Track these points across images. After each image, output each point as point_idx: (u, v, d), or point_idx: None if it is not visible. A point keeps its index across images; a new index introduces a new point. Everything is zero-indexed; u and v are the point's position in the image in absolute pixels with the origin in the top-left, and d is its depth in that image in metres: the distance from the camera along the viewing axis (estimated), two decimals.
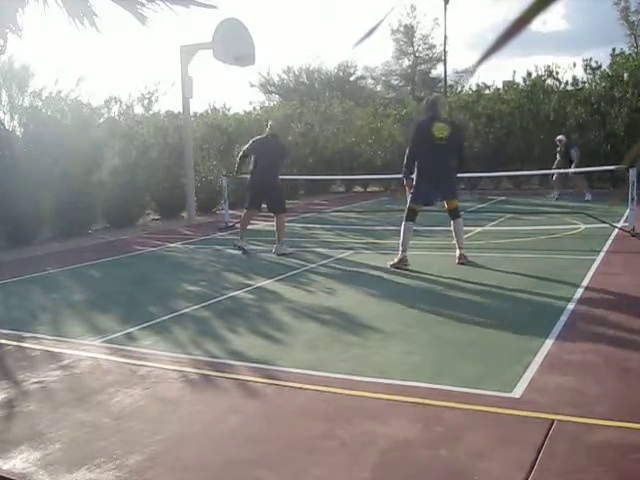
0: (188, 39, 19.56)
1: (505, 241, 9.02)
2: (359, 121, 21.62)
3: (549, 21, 50.61)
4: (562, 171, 13.97)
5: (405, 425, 3.24)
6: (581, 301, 5.55)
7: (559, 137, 14.97)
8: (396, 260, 7.44)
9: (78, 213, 11.60)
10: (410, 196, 7.48)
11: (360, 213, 13.81)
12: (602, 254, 7.68)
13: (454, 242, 7.63)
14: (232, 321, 5.45)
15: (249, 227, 9.29)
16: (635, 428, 3.07)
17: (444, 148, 7.33)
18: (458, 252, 7.54)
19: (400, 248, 7.46)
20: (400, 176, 7.76)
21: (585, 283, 6.19)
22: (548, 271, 6.83)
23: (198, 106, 24.14)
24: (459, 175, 8.10)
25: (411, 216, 7.51)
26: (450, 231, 7.75)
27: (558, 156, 14.80)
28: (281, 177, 9.43)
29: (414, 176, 7.44)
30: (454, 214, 7.57)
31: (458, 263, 7.42)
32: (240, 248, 8.93)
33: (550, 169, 14.44)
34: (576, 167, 13.88)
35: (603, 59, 23.60)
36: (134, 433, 3.30)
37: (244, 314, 5.68)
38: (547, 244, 8.68)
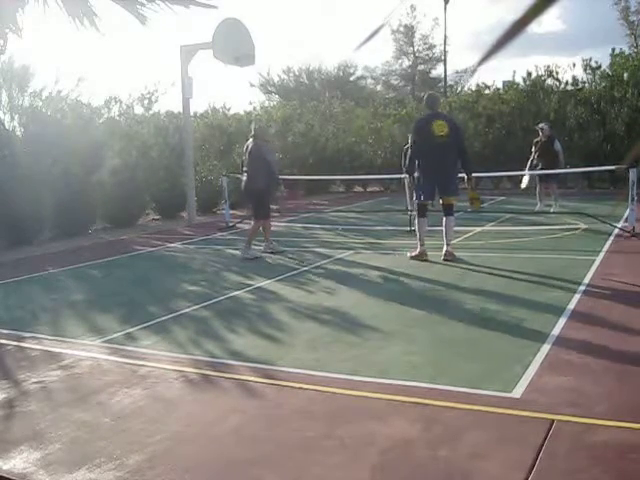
0: (188, 39, 19.57)
1: (505, 241, 9.02)
2: (359, 121, 21.61)
3: (546, 22, 50.63)
4: (560, 171, 12.25)
5: (405, 425, 3.24)
6: (581, 301, 5.55)
7: (542, 125, 12.36)
8: (415, 253, 7.85)
9: (78, 213, 11.61)
10: (415, 194, 7.88)
11: (360, 213, 13.81)
12: (602, 254, 7.68)
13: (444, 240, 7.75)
14: (232, 321, 5.45)
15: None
16: (635, 428, 3.07)
17: (445, 145, 7.54)
18: (445, 248, 7.75)
19: (418, 243, 7.86)
20: (403, 176, 7.97)
21: (585, 283, 6.19)
22: (548, 271, 6.82)
23: (198, 106, 24.12)
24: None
25: (422, 212, 7.86)
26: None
27: (534, 149, 12.11)
28: (283, 177, 9.47)
29: (417, 174, 7.75)
30: (449, 211, 7.77)
31: (444, 260, 7.62)
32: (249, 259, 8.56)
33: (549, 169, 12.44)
34: (563, 164, 11.94)
35: (600, 59, 23.54)
36: (134, 433, 3.30)
37: (244, 314, 5.68)
38: (547, 244, 8.68)
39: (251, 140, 8.83)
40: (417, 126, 7.90)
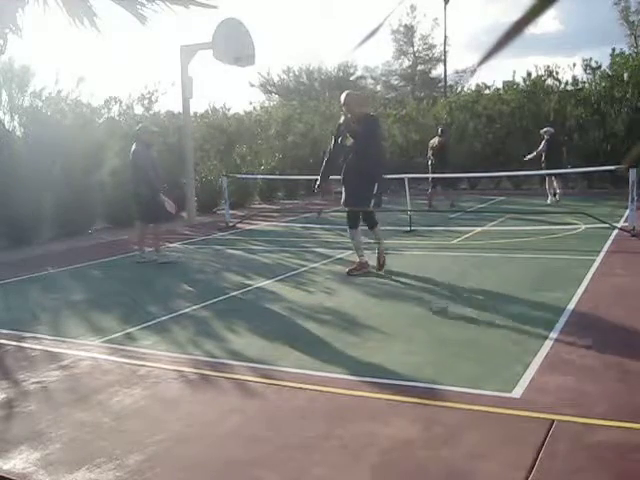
0: (188, 39, 19.56)
1: (505, 241, 9.02)
2: None
3: (545, 23, 50.54)
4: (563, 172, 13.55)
5: (405, 425, 3.24)
6: (581, 301, 5.54)
7: (547, 129, 14.09)
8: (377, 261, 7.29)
9: (78, 213, 11.60)
10: (376, 201, 7.08)
11: None
12: (602, 254, 7.67)
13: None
14: (232, 321, 5.45)
15: (253, 227, 9.24)
16: (635, 428, 3.07)
17: None
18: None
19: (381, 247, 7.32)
20: (403, 176, 7.74)
21: (585, 283, 6.19)
22: (548, 271, 6.83)
23: (198, 106, 24.12)
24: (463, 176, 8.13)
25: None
26: (449, 231, 7.77)
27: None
28: (283, 177, 9.40)
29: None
30: None
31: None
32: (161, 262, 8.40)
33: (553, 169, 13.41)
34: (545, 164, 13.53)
35: (600, 59, 23.49)
36: (134, 433, 3.30)
37: (244, 314, 5.68)
38: (547, 244, 8.68)
39: (134, 144, 8.53)
40: (382, 127, 7.44)
